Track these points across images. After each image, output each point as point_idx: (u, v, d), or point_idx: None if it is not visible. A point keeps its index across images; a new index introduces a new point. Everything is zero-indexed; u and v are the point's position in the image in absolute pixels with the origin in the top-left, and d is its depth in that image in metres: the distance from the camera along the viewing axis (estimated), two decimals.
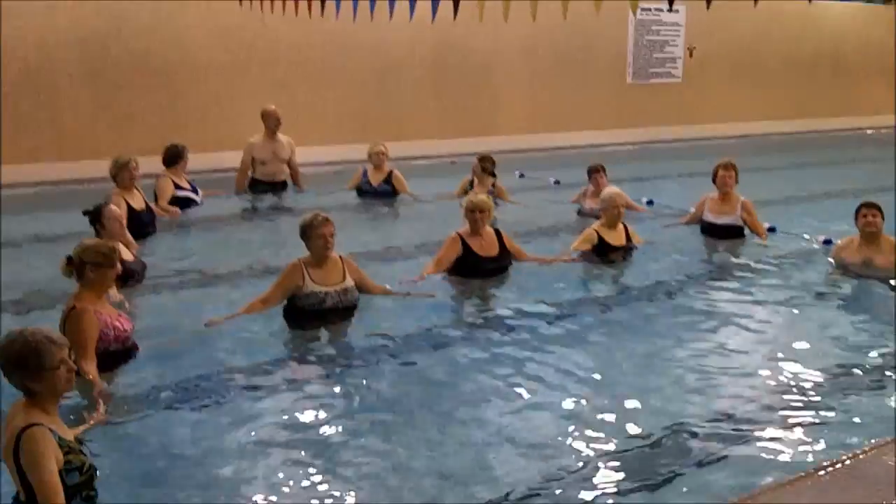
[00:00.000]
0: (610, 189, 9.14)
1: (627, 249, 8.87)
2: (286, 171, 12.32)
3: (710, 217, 9.73)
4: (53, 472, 3.85)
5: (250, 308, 6.78)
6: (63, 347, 4.11)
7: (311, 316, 6.82)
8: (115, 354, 5.84)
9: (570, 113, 19.68)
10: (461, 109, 18.27)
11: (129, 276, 7.61)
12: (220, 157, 13.67)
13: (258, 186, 12.08)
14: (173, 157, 10.89)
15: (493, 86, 18.76)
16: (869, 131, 22.33)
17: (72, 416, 5.01)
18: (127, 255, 7.76)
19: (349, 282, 7.00)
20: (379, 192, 11.95)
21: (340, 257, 7.11)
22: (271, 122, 12.00)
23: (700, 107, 21.71)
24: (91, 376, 5.43)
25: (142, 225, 9.19)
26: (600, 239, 8.70)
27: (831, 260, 8.56)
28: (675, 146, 18.69)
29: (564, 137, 18.40)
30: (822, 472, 4.42)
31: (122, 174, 9.38)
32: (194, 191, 11.07)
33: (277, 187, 12.19)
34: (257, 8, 12.58)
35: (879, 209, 8.12)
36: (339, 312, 6.91)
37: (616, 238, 8.80)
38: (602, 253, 8.69)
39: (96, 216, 7.68)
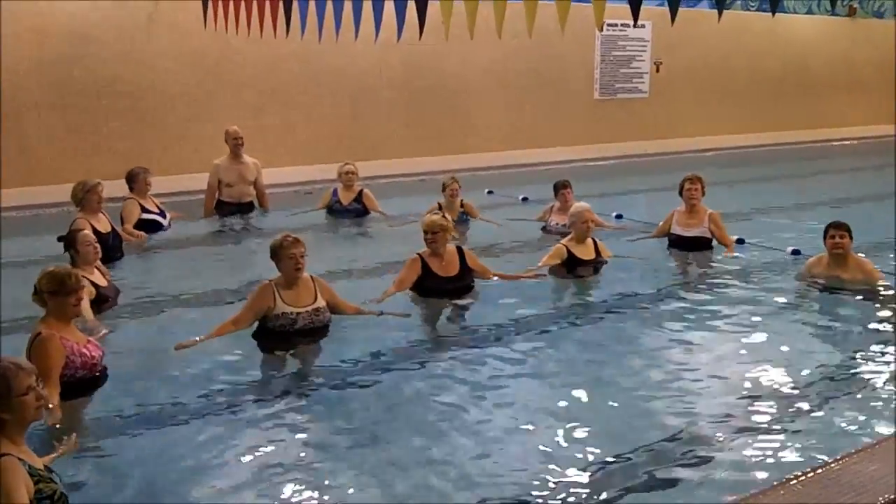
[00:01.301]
0: (579, 204, 9.17)
1: (597, 264, 8.90)
2: (253, 193, 12.28)
3: (678, 230, 9.79)
4: None
5: (221, 330, 6.73)
6: (31, 374, 4.06)
7: (282, 337, 6.77)
8: (84, 380, 5.78)
9: (538, 130, 19.76)
10: (431, 129, 18.29)
11: (103, 301, 7.59)
12: (188, 179, 13.61)
13: (225, 208, 12.03)
14: (129, 180, 10.83)
15: (462, 105, 18.80)
16: (846, 143, 22.55)
17: (56, 443, 4.98)
18: (101, 281, 7.73)
19: (320, 302, 6.97)
20: (350, 212, 11.93)
21: (312, 277, 7.08)
22: (230, 142, 11.98)
23: (667, 121, 21.86)
24: (52, 404, 5.37)
25: (108, 249, 9.08)
26: (569, 254, 8.73)
27: (801, 274, 8.59)
28: (642, 161, 18.79)
29: (533, 154, 18.46)
30: (794, 482, 4.44)
31: (88, 198, 9.30)
32: (161, 214, 11.01)
33: (244, 209, 12.14)
34: (223, 30, 12.56)
35: (847, 230, 8.17)
36: (310, 333, 6.87)
37: (585, 252, 8.82)
38: (572, 268, 8.72)
39: (70, 242, 7.64)
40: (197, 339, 6.64)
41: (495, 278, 8.38)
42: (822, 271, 8.35)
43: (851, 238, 8.17)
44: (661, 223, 10.13)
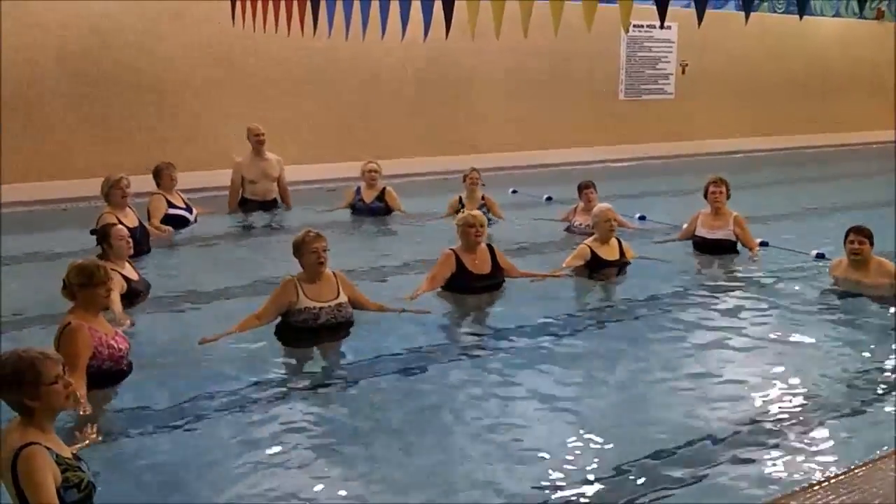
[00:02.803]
0: (601, 204, 9.17)
1: (621, 265, 8.87)
2: (276, 190, 12.33)
3: (702, 232, 9.75)
4: (51, 493, 3.82)
5: (245, 324, 6.76)
6: (58, 363, 4.10)
7: (305, 332, 6.80)
8: (110, 372, 5.83)
9: (562, 130, 19.71)
10: (452, 128, 18.26)
11: (135, 295, 7.64)
12: (208, 175, 13.65)
13: (249, 205, 12.09)
14: (155, 175, 10.88)
15: (482, 104, 18.78)
16: (874, 146, 22.37)
17: (76, 433, 5.02)
18: (132, 275, 7.78)
19: (343, 297, 6.99)
20: (372, 210, 11.95)
21: (335, 273, 7.10)
22: (252, 139, 12.05)
23: (693, 123, 21.77)
24: (79, 394, 5.42)
25: (135, 243, 9.11)
26: (593, 254, 8.71)
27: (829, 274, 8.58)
28: (667, 162, 18.73)
29: (557, 154, 18.43)
30: (816, 488, 4.43)
31: (113, 192, 9.38)
32: (188, 209, 11.05)
33: (268, 206, 12.20)
34: (240, 25, 12.61)
35: (868, 235, 8.10)
36: (333, 329, 6.89)
37: (609, 253, 8.80)
38: (595, 269, 8.70)
39: (104, 236, 7.70)
40: (221, 333, 6.68)
41: (522, 277, 8.39)
42: (842, 274, 8.32)
43: (872, 244, 8.12)
44: (686, 225, 10.11)
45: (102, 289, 5.87)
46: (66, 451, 4.11)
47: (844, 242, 8.20)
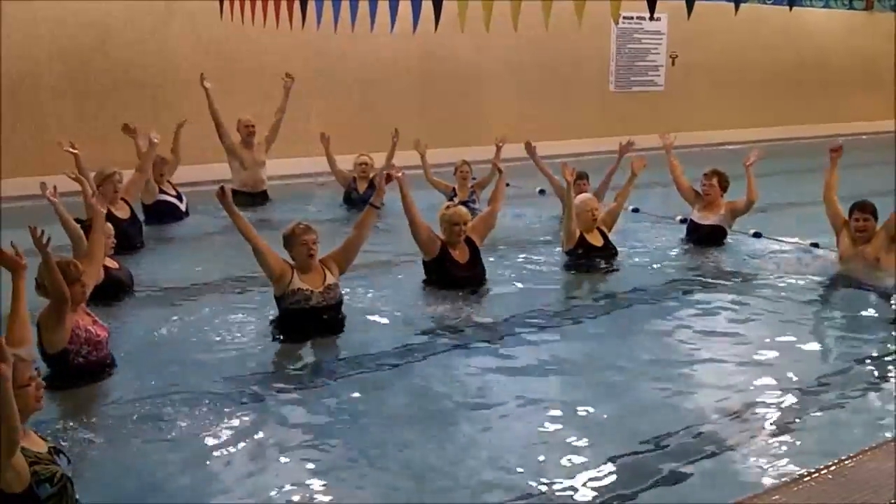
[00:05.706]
0: (581, 195, 9.22)
1: (610, 251, 8.96)
2: (266, 180, 12.45)
3: (696, 217, 9.81)
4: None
5: (250, 231, 6.79)
6: (31, 366, 4.14)
7: (296, 322, 6.79)
8: (93, 363, 5.86)
9: (553, 122, 19.67)
10: (445, 120, 18.23)
11: (118, 286, 7.62)
12: (205, 169, 13.62)
13: (239, 198, 11.96)
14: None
15: (476, 96, 18.74)
16: (863, 137, 22.38)
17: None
18: (111, 264, 7.71)
19: (330, 279, 6.97)
20: (366, 200, 11.95)
21: (321, 261, 7.06)
22: (242, 131, 12.27)
23: (683, 115, 21.73)
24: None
25: (127, 237, 9.13)
26: (581, 237, 8.79)
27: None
28: (657, 154, 18.67)
29: (548, 146, 18.33)
30: (808, 479, 4.44)
31: (105, 186, 9.35)
32: (179, 197, 11.08)
33: (258, 199, 12.23)
34: (240, 20, 12.58)
35: (872, 211, 8.08)
36: (324, 317, 6.87)
37: (595, 239, 8.91)
38: (585, 254, 8.77)
39: (86, 231, 7.66)
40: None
41: (498, 209, 8.65)
42: (848, 256, 8.30)
43: (877, 218, 8.11)
44: (691, 189, 10.07)
45: (76, 286, 5.86)
46: (38, 446, 4.09)
47: (848, 219, 8.16)
